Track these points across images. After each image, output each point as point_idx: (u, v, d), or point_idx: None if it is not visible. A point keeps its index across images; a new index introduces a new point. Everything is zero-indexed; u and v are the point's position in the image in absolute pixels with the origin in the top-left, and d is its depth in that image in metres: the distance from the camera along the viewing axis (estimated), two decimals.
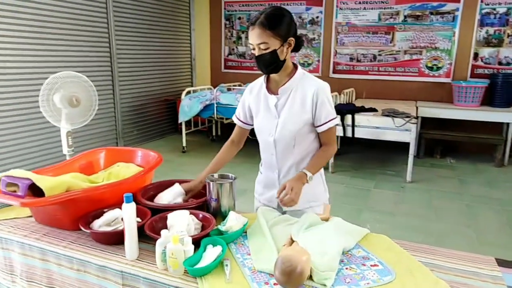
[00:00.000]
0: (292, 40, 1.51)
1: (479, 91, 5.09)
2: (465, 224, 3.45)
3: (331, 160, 4.73)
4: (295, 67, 1.60)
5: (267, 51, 1.46)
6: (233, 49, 6.82)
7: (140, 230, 1.34)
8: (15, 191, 1.42)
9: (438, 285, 1.15)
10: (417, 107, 5.19)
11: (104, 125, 5.34)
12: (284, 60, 1.53)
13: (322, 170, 1.71)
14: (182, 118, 5.33)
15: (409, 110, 4.72)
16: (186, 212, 1.44)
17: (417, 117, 4.78)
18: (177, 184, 1.67)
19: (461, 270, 1.26)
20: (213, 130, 6.38)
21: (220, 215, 1.53)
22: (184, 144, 5.58)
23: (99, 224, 1.43)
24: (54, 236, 1.46)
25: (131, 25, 5.65)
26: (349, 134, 4.57)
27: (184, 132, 5.55)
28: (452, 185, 4.45)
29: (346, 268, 1.24)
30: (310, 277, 1.16)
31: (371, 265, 1.26)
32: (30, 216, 1.62)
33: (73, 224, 1.47)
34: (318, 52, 6.23)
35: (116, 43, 5.37)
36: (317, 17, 6.09)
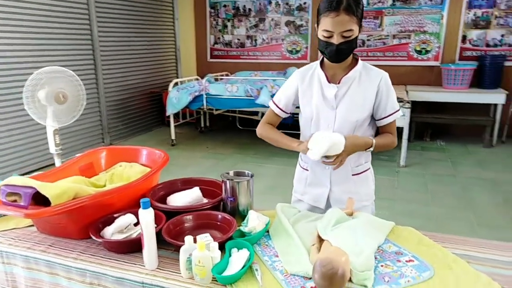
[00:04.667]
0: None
1: (467, 73, 5.12)
2: (462, 207, 3.47)
3: None
4: (354, 57, 1.50)
5: (350, 38, 1.35)
6: (218, 38, 6.66)
7: (157, 235, 1.24)
8: (15, 201, 1.29)
9: (480, 279, 1.10)
10: (407, 91, 5.19)
11: (88, 120, 5.14)
12: (356, 47, 1.43)
13: (372, 169, 1.63)
14: (171, 110, 5.18)
15: (400, 95, 4.70)
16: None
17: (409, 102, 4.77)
18: (196, 188, 1.57)
19: (498, 260, 1.22)
20: (202, 121, 6.25)
21: (239, 215, 1.45)
22: (173, 137, 5.44)
23: (111, 232, 1.32)
24: (62, 247, 1.34)
25: (113, 15, 5.42)
26: None
27: (172, 124, 5.40)
28: (445, 167, 4.49)
29: (382, 266, 1.18)
30: (349, 279, 1.10)
31: (406, 261, 1.21)
32: (31, 226, 1.49)
33: (81, 232, 1.37)
34: (306, 39, 6.13)
35: (98, 35, 5.14)
36: (305, 3, 5.97)
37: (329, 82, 1.49)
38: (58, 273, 1.29)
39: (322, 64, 1.52)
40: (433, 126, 5.52)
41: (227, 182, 1.44)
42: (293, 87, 1.58)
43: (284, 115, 1.64)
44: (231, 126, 6.35)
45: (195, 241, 1.17)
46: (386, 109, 1.48)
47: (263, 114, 5.68)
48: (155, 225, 1.31)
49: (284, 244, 1.30)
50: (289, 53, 6.28)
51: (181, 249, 1.14)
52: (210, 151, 5.25)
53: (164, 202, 1.54)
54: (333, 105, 1.48)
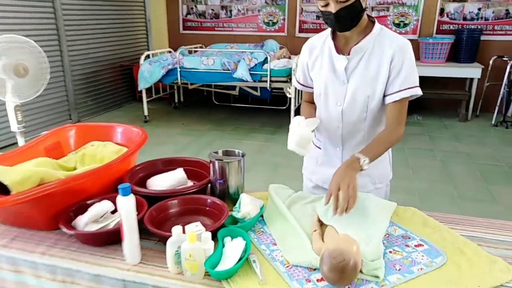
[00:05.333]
0: None
1: (445, 47, 5.09)
2: (442, 180, 3.48)
3: None
4: (371, 21, 1.30)
5: (348, 3, 1.17)
6: (191, 8, 6.31)
7: (138, 224, 1.08)
8: None
9: (495, 264, 1.03)
10: None
11: (53, 96, 4.79)
12: (363, 11, 1.23)
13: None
14: (143, 85, 4.90)
15: None
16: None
17: None
18: (180, 170, 1.41)
19: (508, 242, 1.15)
20: (176, 96, 5.98)
21: (229, 199, 1.31)
22: (146, 113, 5.18)
23: (84, 222, 1.16)
24: (27, 240, 1.17)
25: None
26: None
27: (145, 100, 5.13)
28: (423, 142, 4.50)
29: (390, 252, 1.09)
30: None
31: (415, 246, 1.12)
32: None
33: (49, 223, 1.19)
34: (283, 10, 5.90)
35: (61, 2, 4.72)
36: None
37: (339, 53, 1.31)
38: (23, 271, 1.12)
39: (334, 32, 1.34)
40: (411, 100, 5.49)
41: (216, 162, 1.29)
42: (303, 61, 1.43)
43: (310, 90, 1.47)
44: (207, 101, 6.12)
45: (183, 231, 1.02)
46: (394, 84, 1.27)
47: (241, 89, 5.50)
48: (136, 213, 1.15)
49: (282, 230, 1.18)
50: (266, 25, 6.04)
51: (168, 242, 1.00)
52: (186, 127, 5.04)
53: (144, 186, 1.38)
54: (344, 80, 1.32)
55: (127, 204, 1.02)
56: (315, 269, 1.01)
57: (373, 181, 1.42)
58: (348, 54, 1.29)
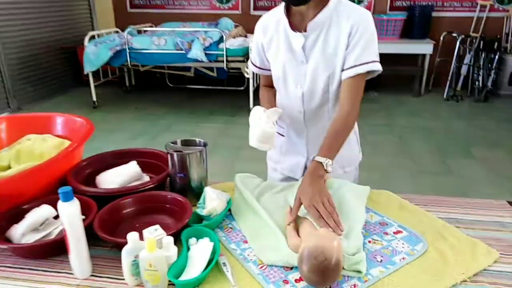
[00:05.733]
0: None
1: (398, 24, 5.14)
2: (401, 155, 3.54)
3: None
4: None
5: None
6: None
7: (86, 230, 0.93)
8: None
9: (477, 248, 0.98)
10: None
11: None
12: None
13: (356, 127, 1.36)
14: (88, 68, 4.54)
15: None
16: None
17: None
18: (133, 163, 1.25)
19: (485, 222, 1.11)
20: (126, 80, 5.63)
21: (191, 194, 1.18)
22: (95, 99, 4.83)
23: (21, 232, 0.98)
24: None
25: None
26: None
27: (92, 84, 4.77)
28: (380, 118, 4.55)
29: (369, 242, 1.01)
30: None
31: (394, 233, 1.05)
32: None
33: None
34: None
35: None
36: None
37: (294, 30, 1.18)
38: None
39: (289, 8, 1.21)
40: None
41: (175, 154, 1.15)
42: (258, 42, 1.29)
43: (268, 73, 1.34)
44: (161, 84, 5.82)
45: (141, 237, 0.89)
46: (349, 59, 1.14)
47: (196, 70, 5.26)
48: (83, 217, 0.98)
49: (252, 226, 1.07)
50: (219, 3, 5.79)
51: (124, 251, 0.85)
52: (139, 112, 4.76)
53: (93, 184, 1.21)
54: (303, 59, 1.19)
55: (69, 210, 0.86)
56: (291, 268, 0.92)
57: (341, 165, 1.34)
58: (305, 31, 1.17)
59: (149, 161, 1.34)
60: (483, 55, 4.92)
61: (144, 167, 1.29)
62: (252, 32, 1.46)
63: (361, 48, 1.13)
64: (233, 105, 4.94)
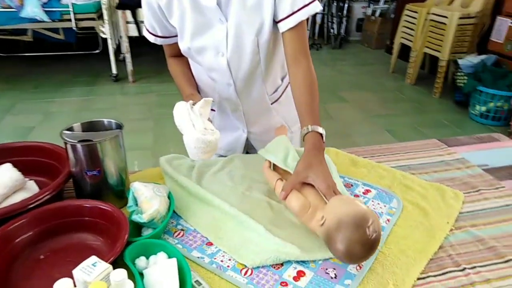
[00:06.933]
0: None
1: None
2: None
3: (129, 67, 3.96)
4: None
5: None
6: None
7: None
8: None
9: (444, 193, 0.96)
10: None
11: None
12: None
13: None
14: None
15: None
16: None
17: None
18: (7, 166, 0.83)
19: (432, 163, 1.11)
20: None
21: (111, 195, 0.86)
22: None
23: None
24: None
25: None
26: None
27: None
28: None
29: None
30: None
31: (363, 193, 0.96)
32: None
33: None
34: None
35: None
36: None
37: None
38: None
39: None
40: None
41: (78, 146, 0.80)
42: (151, 5, 0.95)
43: (174, 40, 1.02)
44: None
45: (73, 283, 0.57)
46: (281, 6, 0.91)
47: (35, 32, 4.26)
48: None
49: (209, 220, 0.84)
50: None
51: None
52: None
53: None
54: (221, 18, 0.93)
55: None
56: (282, 264, 0.74)
57: (288, 127, 1.18)
58: None
59: (28, 159, 0.94)
60: (334, 4, 5.26)
61: (24, 168, 0.90)
62: None
63: None
64: (91, 73, 4.24)
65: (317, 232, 0.75)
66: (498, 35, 3.16)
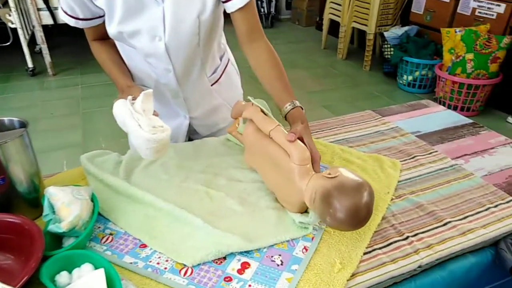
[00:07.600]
0: None
1: None
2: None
3: (48, 59, 3.61)
4: None
5: None
6: None
7: None
8: None
9: (382, 163, 0.97)
10: None
11: None
12: None
13: (232, 59, 1.13)
14: None
15: None
16: None
17: None
18: None
19: (369, 134, 1.12)
20: None
21: (22, 204, 0.75)
22: None
23: None
24: None
25: None
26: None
27: None
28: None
29: None
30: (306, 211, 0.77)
31: None
32: None
33: None
34: None
35: None
36: None
37: None
38: None
39: None
40: None
41: None
42: None
43: (98, 21, 0.90)
44: None
45: None
46: None
47: None
48: None
49: (141, 219, 0.76)
50: None
51: None
52: None
53: None
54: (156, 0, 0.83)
55: None
56: (225, 258, 0.68)
57: (228, 107, 1.11)
58: None
59: None
60: None
61: None
62: None
63: None
64: (3, 69, 3.81)
65: (309, 187, 0.71)
66: (418, 7, 3.31)
